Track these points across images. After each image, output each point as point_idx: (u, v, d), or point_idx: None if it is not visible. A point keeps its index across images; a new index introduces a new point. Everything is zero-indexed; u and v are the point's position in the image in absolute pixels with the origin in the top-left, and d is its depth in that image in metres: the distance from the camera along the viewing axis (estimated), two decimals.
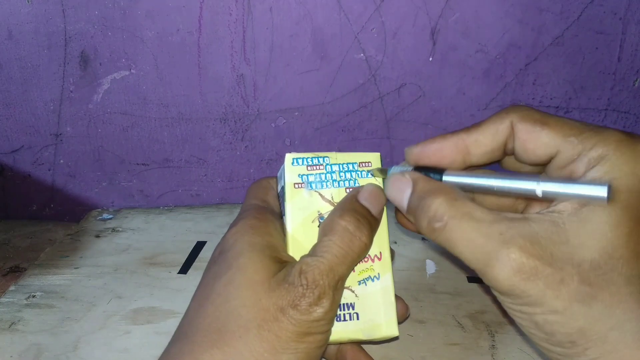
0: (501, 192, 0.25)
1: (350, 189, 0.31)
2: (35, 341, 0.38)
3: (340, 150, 0.57)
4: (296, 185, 0.30)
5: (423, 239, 0.50)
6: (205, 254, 0.48)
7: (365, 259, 0.30)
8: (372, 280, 0.30)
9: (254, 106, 0.55)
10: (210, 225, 0.53)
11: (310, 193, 0.30)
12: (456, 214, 0.25)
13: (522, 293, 0.23)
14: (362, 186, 0.30)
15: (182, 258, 0.48)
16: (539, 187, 0.24)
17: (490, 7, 0.51)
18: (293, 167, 0.30)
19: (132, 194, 0.59)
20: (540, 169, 0.30)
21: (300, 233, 0.30)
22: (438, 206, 0.25)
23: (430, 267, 0.46)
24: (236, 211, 0.56)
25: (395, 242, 0.49)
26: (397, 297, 0.30)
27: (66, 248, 0.50)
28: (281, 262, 0.28)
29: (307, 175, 0.30)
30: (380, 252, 0.30)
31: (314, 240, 0.29)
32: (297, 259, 0.28)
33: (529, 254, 0.22)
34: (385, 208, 0.30)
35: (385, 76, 0.53)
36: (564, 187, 0.23)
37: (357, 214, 0.28)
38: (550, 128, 0.25)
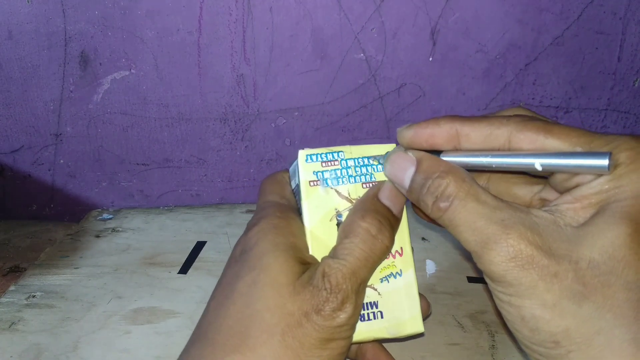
0: (501, 169, 0.25)
1: (367, 184, 0.30)
2: (35, 341, 0.38)
3: None
4: (311, 183, 0.29)
5: (423, 238, 0.50)
6: (205, 254, 0.48)
7: (387, 256, 0.29)
8: (395, 277, 0.29)
9: (254, 106, 0.55)
10: (210, 225, 0.53)
11: (326, 190, 0.29)
12: (462, 194, 0.24)
13: (514, 280, 0.22)
14: (383, 183, 0.29)
15: (182, 258, 0.48)
16: (539, 161, 0.23)
17: (490, 7, 0.51)
18: (307, 164, 0.29)
19: (132, 194, 0.59)
20: (540, 183, 0.30)
21: (320, 232, 0.29)
22: (446, 186, 0.25)
23: (430, 267, 0.46)
24: (236, 211, 0.56)
25: None
26: (419, 294, 0.30)
27: (66, 248, 0.50)
28: (305, 263, 0.27)
29: (322, 172, 0.29)
30: (402, 248, 0.29)
31: (333, 239, 0.28)
32: (319, 258, 0.28)
33: (528, 242, 0.22)
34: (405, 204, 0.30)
35: (385, 76, 0.53)
36: (564, 160, 0.23)
37: (379, 215, 0.27)
38: (555, 136, 0.24)
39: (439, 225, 0.27)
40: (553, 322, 0.22)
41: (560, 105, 0.55)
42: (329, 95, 0.54)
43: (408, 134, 0.28)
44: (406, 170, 0.27)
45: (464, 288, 0.43)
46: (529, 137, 0.25)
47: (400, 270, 0.29)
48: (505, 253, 0.23)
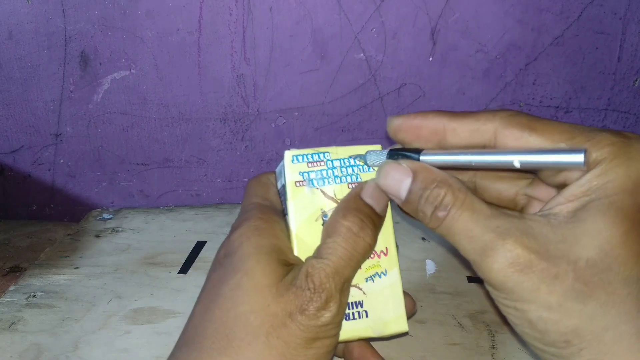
0: (480, 166, 0.25)
1: (353, 184, 0.30)
2: (35, 341, 0.38)
3: None
4: (297, 184, 0.30)
5: (423, 238, 0.50)
6: (205, 254, 0.48)
7: (372, 255, 0.29)
8: (380, 276, 0.29)
9: (254, 106, 0.55)
10: (210, 225, 0.53)
11: (312, 191, 0.30)
12: (458, 203, 0.25)
13: (516, 286, 0.23)
14: (366, 182, 0.29)
15: (182, 258, 0.48)
16: (517, 158, 0.24)
17: (490, 7, 0.51)
18: (293, 165, 0.30)
19: (132, 194, 0.59)
20: (526, 178, 0.30)
21: (305, 233, 0.29)
22: (444, 196, 0.25)
23: (430, 267, 0.46)
24: (236, 211, 0.56)
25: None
26: (404, 293, 0.30)
27: (66, 248, 0.50)
28: (288, 265, 0.27)
29: (308, 172, 0.30)
30: (387, 248, 0.30)
31: (319, 239, 0.28)
32: (304, 259, 0.28)
33: (525, 247, 0.22)
34: (389, 203, 0.30)
35: (385, 76, 0.53)
36: (541, 157, 0.23)
37: (361, 214, 0.28)
38: (538, 133, 0.24)
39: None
40: (561, 322, 0.22)
41: (560, 105, 0.55)
42: (329, 95, 0.54)
43: (396, 122, 0.29)
44: (402, 182, 0.27)
45: (464, 288, 0.43)
46: (513, 134, 0.25)
47: (385, 269, 0.30)
48: (503, 260, 0.23)
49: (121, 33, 0.51)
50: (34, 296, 0.43)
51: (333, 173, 0.30)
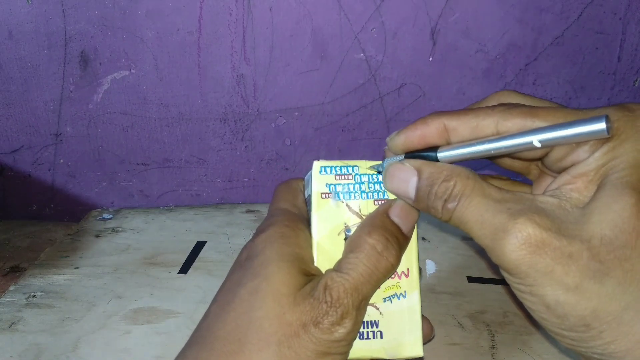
0: (499, 153, 0.25)
1: (379, 201, 0.29)
2: (35, 341, 0.38)
3: (340, 150, 0.57)
4: (323, 195, 0.29)
5: (423, 238, 0.50)
6: (205, 254, 0.48)
7: (392, 276, 0.29)
8: (398, 297, 0.29)
9: (254, 106, 0.55)
10: (210, 225, 0.53)
11: (337, 204, 0.29)
12: (468, 191, 0.24)
13: (530, 269, 0.22)
14: (394, 200, 0.29)
15: (182, 258, 0.48)
16: (536, 137, 0.23)
17: (490, 7, 0.51)
18: (321, 176, 0.29)
19: (132, 194, 0.59)
20: (532, 168, 0.30)
21: (327, 245, 0.29)
22: (453, 187, 0.25)
23: (430, 267, 0.46)
24: (236, 211, 0.56)
25: None
26: (423, 317, 0.29)
27: (66, 248, 0.50)
28: (308, 275, 0.27)
29: (335, 185, 0.29)
30: (408, 269, 0.29)
31: (340, 253, 0.28)
32: (323, 271, 0.28)
33: (537, 225, 0.22)
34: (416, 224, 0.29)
35: (385, 76, 0.53)
36: (561, 131, 0.23)
37: (387, 233, 0.27)
38: (541, 119, 0.24)
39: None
40: (579, 305, 0.22)
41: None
42: (329, 95, 0.54)
43: (399, 140, 0.28)
44: (408, 182, 0.27)
45: (464, 288, 0.43)
46: (516, 124, 0.25)
47: (405, 291, 0.29)
48: (515, 240, 0.22)
49: (121, 33, 0.51)
50: (34, 296, 0.43)
51: (360, 188, 0.30)
